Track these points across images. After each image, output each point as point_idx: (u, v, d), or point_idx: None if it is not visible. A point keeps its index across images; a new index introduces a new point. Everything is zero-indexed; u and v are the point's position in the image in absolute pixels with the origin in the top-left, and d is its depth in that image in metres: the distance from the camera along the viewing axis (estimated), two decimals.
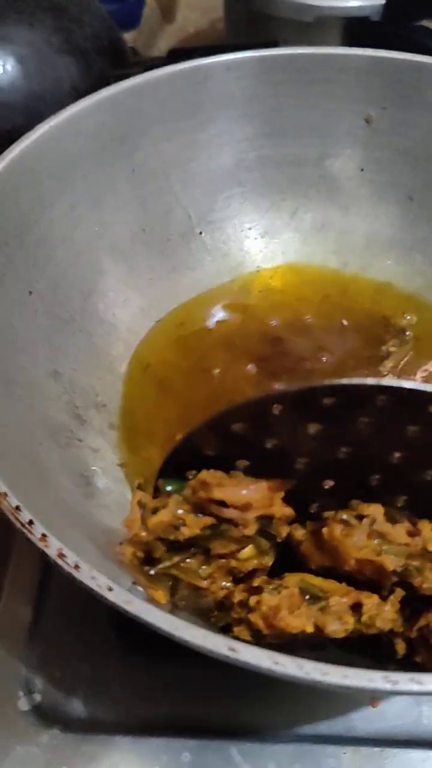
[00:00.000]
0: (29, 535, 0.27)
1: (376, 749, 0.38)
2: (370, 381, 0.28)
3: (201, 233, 0.53)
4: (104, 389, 0.44)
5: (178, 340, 0.48)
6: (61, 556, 0.26)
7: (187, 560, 0.30)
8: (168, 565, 0.30)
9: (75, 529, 0.32)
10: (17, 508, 0.27)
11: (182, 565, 0.30)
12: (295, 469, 0.31)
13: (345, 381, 0.28)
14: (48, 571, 0.43)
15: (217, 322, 0.50)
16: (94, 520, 0.36)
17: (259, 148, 0.53)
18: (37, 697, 0.39)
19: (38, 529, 0.27)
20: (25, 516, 0.27)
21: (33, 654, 0.40)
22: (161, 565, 0.30)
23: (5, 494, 0.27)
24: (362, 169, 0.53)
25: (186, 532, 0.29)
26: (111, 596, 0.25)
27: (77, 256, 0.46)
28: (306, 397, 0.28)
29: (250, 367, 0.48)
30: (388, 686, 0.24)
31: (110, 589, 0.25)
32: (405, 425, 0.29)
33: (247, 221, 0.54)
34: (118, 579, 0.29)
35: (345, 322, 0.52)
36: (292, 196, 0.54)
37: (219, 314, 0.51)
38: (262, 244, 0.54)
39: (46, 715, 0.38)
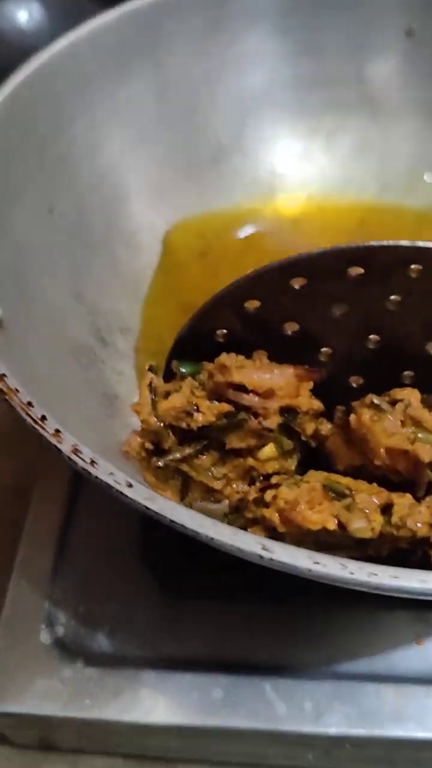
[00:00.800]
0: (42, 431, 0.24)
1: (420, 688, 0.36)
2: (405, 243, 0.24)
3: (231, 157, 0.50)
4: (128, 312, 0.42)
5: (206, 265, 0.45)
6: (76, 451, 0.24)
7: (200, 456, 0.27)
8: (178, 457, 0.27)
9: (95, 442, 0.30)
10: (29, 403, 0.25)
11: (194, 461, 0.27)
12: (319, 363, 0.27)
13: (374, 243, 0.24)
14: (72, 504, 0.41)
15: (246, 248, 0.48)
16: (117, 439, 0.34)
17: (294, 66, 0.50)
18: (60, 630, 0.37)
19: (51, 425, 0.25)
20: (38, 412, 0.25)
21: (56, 588, 0.39)
22: (171, 456, 0.27)
23: (17, 390, 0.25)
24: (404, 87, 0.50)
25: (200, 420, 0.26)
26: (130, 493, 0.23)
27: (101, 178, 0.44)
28: (330, 263, 0.25)
29: None
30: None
31: (130, 486, 0.23)
32: None
33: (280, 145, 0.51)
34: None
35: None
36: (328, 117, 0.51)
37: (250, 240, 0.48)
38: (296, 169, 0.51)
39: (69, 649, 0.37)
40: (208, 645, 0.37)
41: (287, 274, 0.26)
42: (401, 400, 0.26)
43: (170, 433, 0.27)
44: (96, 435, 0.32)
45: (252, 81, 0.49)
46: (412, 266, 0.24)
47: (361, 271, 0.25)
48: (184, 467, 0.27)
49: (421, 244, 0.24)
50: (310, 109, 0.51)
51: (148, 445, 0.27)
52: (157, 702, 0.35)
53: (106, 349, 0.39)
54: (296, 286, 0.26)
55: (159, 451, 0.27)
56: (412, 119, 0.50)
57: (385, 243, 0.24)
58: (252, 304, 0.26)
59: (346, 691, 0.35)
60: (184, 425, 0.26)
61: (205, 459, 0.27)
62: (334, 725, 0.35)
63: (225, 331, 0.27)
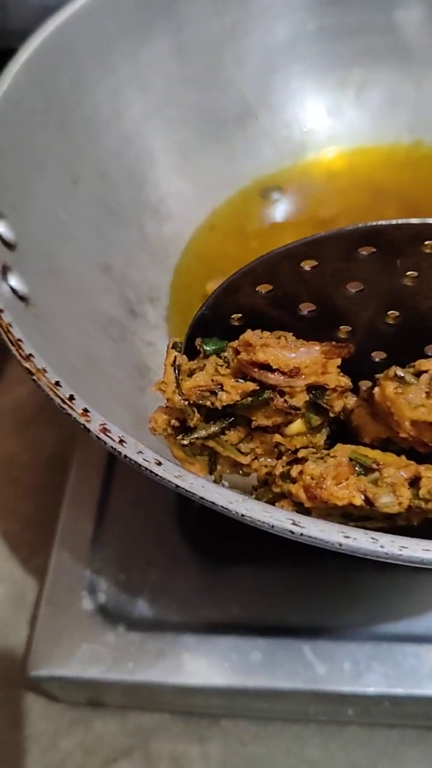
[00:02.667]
0: (69, 411, 0.25)
1: None
2: (414, 221, 0.23)
3: (258, 116, 0.48)
4: (158, 282, 0.42)
5: (236, 229, 0.45)
6: (105, 430, 0.24)
7: (227, 432, 0.27)
8: (204, 435, 0.27)
9: (127, 417, 0.30)
10: (57, 383, 0.25)
11: (220, 438, 0.27)
12: (339, 340, 0.27)
13: (383, 222, 0.23)
14: (110, 474, 0.42)
15: (279, 209, 0.47)
16: (149, 412, 0.34)
17: (320, 16, 0.48)
18: (102, 597, 0.38)
19: (79, 404, 0.25)
20: (65, 392, 0.25)
21: (97, 557, 0.39)
22: (196, 434, 0.27)
23: (44, 370, 0.26)
24: None
25: (224, 399, 0.25)
26: (160, 471, 0.23)
27: (125, 143, 0.43)
28: (339, 245, 0.24)
29: None
30: None
31: (159, 464, 0.23)
32: None
33: (309, 101, 0.50)
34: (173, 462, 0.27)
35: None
36: (358, 69, 0.49)
37: (280, 201, 0.47)
38: (326, 125, 0.50)
39: (112, 615, 0.38)
40: (246, 608, 0.37)
41: (297, 258, 0.25)
42: (426, 371, 0.25)
43: (195, 411, 0.26)
44: (127, 409, 0.32)
45: (276, 35, 0.48)
46: (426, 242, 0.23)
47: (373, 250, 0.24)
48: (211, 443, 0.27)
49: (431, 221, 0.23)
50: (338, 62, 0.49)
51: (174, 422, 0.27)
52: (198, 665, 0.36)
53: (136, 320, 0.39)
54: (307, 268, 0.25)
55: (185, 428, 0.27)
56: None
57: (393, 222, 0.23)
58: (264, 288, 0.26)
59: (385, 651, 0.36)
60: (208, 404, 0.26)
61: (231, 435, 0.27)
62: (372, 685, 0.35)
63: (240, 315, 0.27)
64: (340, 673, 0.35)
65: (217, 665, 0.36)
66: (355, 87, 0.50)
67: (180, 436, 0.27)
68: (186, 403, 0.26)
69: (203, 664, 0.36)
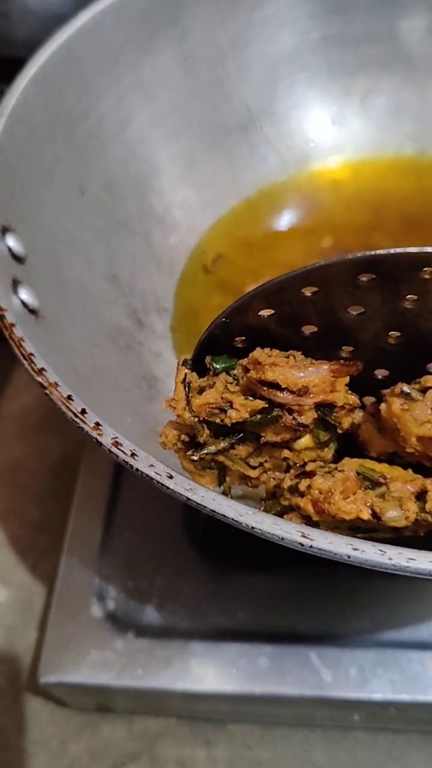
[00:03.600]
0: (82, 425, 0.25)
1: None
2: (412, 250, 0.24)
3: (262, 125, 0.49)
4: (165, 292, 0.42)
5: (242, 238, 0.45)
6: (117, 444, 0.24)
7: (236, 447, 0.28)
8: (213, 450, 0.27)
9: (136, 427, 0.31)
10: (69, 397, 0.26)
11: (230, 452, 0.27)
12: (342, 359, 0.27)
13: (381, 252, 0.24)
14: (118, 482, 0.42)
15: (284, 219, 0.47)
16: (158, 422, 0.34)
17: (323, 26, 0.48)
18: (111, 604, 0.39)
19: (91, 418, 0.25)
20: (78, 405, 0.25)
21: (105, 564, 0.40)
22: (206, 450, 0.27)
23: (56, 384, 0.26)
24: None
25: (233, 416, 0.26)
26: (171, 484, 0.23)
27: (130, 154, 0.43)
28: (338, 273, 0.24)
29: None
30: None
31: (170, 477, 0.24)
32: None
33: (313, 110, 0.50)
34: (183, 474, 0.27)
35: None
36: (362, 78, 0.50)
37: (285, 211, 0.47)
38: (330, 134, 0.50)
39: (120, 621, 0.38)
40: (254, 615, 0.38)
41: (299, 284, 0.25)
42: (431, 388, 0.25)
43: (205, 427, 0.27)
44: (136, 420, 0.32)
45: (280, 44, 0.48)
46: (425, 269, 0.24)
47: (373, 276, 0.24)
48: (220, 457, 0.27)
49: (429, 249, 0.23)
50: (342, 70, 0.49)
51: (184, 437, 0.27)
52: (206, 671, 0.37)
53: (143, 330, 0.40)
54: (308, 294, 0.25)
55: (195, 443, 0.27)
56: None
57: (392, 251, 0.24)
58: (267, 312, 0.26)
59: (390, 657, 0.36)
60: (218, 421, 0.26)
61: (240, 449, 0.27)
62: (378, 691, 0.36)
63: (244, 338, 0.27)
64: (345, 679, 0.36)
65: (225, 671, 0.36)
66: (359, 96, 0.50)
67: (190, 452, 0.27)
68: (196, 419, 0.26)
69: (211, 671, 0.37)
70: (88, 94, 0.41)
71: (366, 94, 0.50)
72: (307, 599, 0.38)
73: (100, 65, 0.41)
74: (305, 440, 0.27)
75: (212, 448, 0.27)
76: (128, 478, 0.43)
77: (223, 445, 0.27)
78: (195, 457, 0.27)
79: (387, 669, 0.36)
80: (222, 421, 0.26)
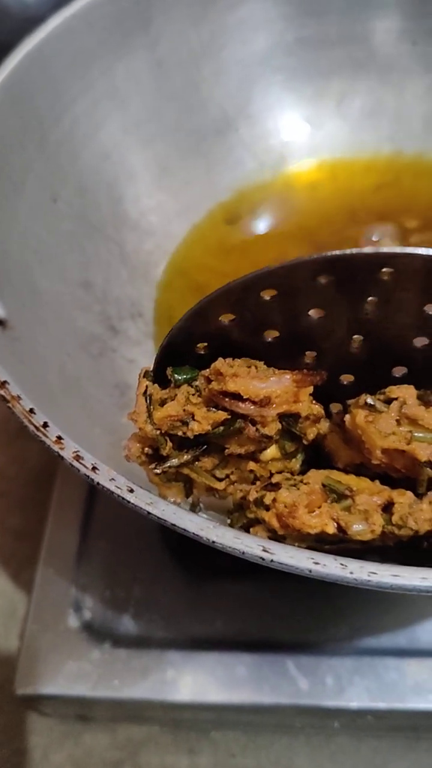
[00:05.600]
0: (43, 438, 0.25)
1: None
2: (368, 250, 0.23)
3: (238, 129, 0.48)
4: (140, 298, 0.42)
5: (218, 242, 0.45)
6: (78, 458, 0.24)
7: (201, 459, 0.27)
8: (176, 464, 0.27)
9: (105, 437, 0.30)
10: (31, 411, 0.25)
11: (195, 464, 0.27)
12: (306, 366, 0.27)
13: (337, 252, 0.23)
14: (94, 491, 0.42)
15: (261, 222, 0.47)
16: (128, 431, 0.34)
17: (298, 28, 0.48)
18: (87, 615, 0.38)
19: (53, 431, 0.25)
20: (39, 419, 0.25)
21: (81, 574, 0.40)
22: (169, 463, 0.27)
23: (18, 397, 0.26)
24: (415, 42, 0.48)
25: (195, 428, 0.25)
26: (132, 498, 0.23)
27: (104, 159, 0.43)
28: (296, 275, 0.24)
29: None
30: None
31: (131, 491, 0.23)
32: (423, 303, 0.24)
33: (289, 112, 0.50)
34: (148, 486, 0.27)
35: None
36: (338, 80, 0.49)
37: (262, 214, 0.47)
38: (306, 136, 0.50)
39: (97, 632, 0.38)
40: (231, 624, 0.38)
41: (255, 288, 0.25)
42: (396, 399, 0.25)
43: (167, 440, 0.26)
44: (105, 430, 0.32)
45: (255, 46, 0.48)
46: (383, 269, 0.24)
47: (332, 277, 0.24)
48: (185, 470, 0.27)
49: (384, 250, 0.23)
50: (318, 72, 0.49)
51: (148, 450, 0.27)
52: (184, 681, 0.36)
53: (117, 337, 0.39)
54: (267, 297, 0.25)
55: (158, 456, 0.27)
56: (426, 76, 0.48)
57: (348, 252, 0.23)
58: (227, 317, 0.26)
59: (367, 665, 0.36)
60: (180, 433, 0.26)
61: (206, 461, 0.27)
62: (355, 699, 0.35)
63: (206, 344, 0.27)
64: (322, 687, 0.36)
65: (203, 681, 0.36)
66: (334, 97, 0.50)
67: (153, 465, 0.27)
68: (158, 432, 0.26)
69: (189, 681, 0.36)
70: (60, 100, 0.41)
71: (342, 95, 0.50)
72: (284, 607, 0.38)
73: (71, 70, 0.41)
74: (271, 451, 0.27)
75: (175, 461, 0.27)
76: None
77: (186, 457, 0.27)
78: (158, 471, 0.27)
79: (364, 677, 0.36)
80: (184, 433, 0.26)
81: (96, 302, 0.39)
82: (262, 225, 0.47)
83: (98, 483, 0.24)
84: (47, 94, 0.40)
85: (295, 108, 0.50)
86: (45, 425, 0.25)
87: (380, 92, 0.49)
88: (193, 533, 0.23)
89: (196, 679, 0.36)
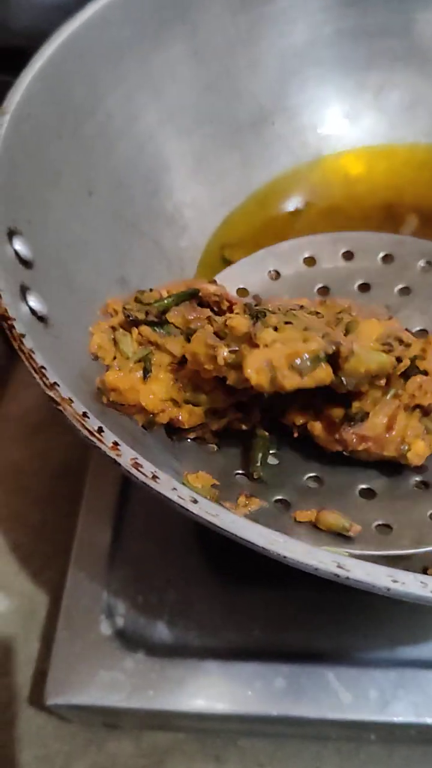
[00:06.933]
0: (99, 444, 0.24)
1: None
2: None
3: (274, 121, 0.47)
4: None
5: (254, 237, 0.43)
6: (137, 466, 0.23)
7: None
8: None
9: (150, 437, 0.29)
10: (84, 414, 0.24)
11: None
12: None
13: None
14: (125, 494, 0.41)
15: (297, 217, 0.45)
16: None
17: (337, 19, 0.47)
18: (120, 621, 0.37)
19: (109, 437, 0.24)
20: (94, 423, 0.24)
21: (114, 578, 0.39)
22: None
23: (70, 400, 0.24)
24: None
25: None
26: (195, 509, 0.22)
27: (139, 151, 0.41)
28: None
29: None
30: None
31: (195, 501, 0.22)
32: None
33: (326, 105, 0.48)
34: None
35: None
36: (376, 72, 0.48)
37: (298, 208, 0.46)
38: (344, 129, 0.48)
39: (130, 640, 0.37)
40: (269, 633, 0.36)
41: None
42: None
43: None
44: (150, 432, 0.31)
45: (293, 38, 0.46)
46: None
47: None
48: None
49: None
50: (356, 65, 0.48)
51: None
52: (220, 692, 0.35)
53: None
54: None
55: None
56: None
57: None
58: None
59: (411, 678, 0.35)
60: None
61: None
62: (400, 714, 0.34)
63: None
64: (366, 701, 0.35)
65: (240, 692, 0.35)
66: (372, 90, 0.48)
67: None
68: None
69: (225, 692, 0.35)
70: (95, 90, 0.39)
71: (380, 88, 0.48)
72: (323, 615, 0.37)
73: (107, 60, 0.39)
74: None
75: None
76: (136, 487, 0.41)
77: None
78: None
79: (408, 691, 0.34)
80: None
81: None
82: (299, 221, 0.46)
83: (159, 492, 0.22)
84: (82, 85, 0.39)
85: (333, 101, 0.48)
86: (100, 430, 0.24)
87: (418, 85, 0.48)
88: (262, 547, 0.21)
89: (233, 691, 0.35)
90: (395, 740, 0.38)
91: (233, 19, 0.44)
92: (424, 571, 0.29)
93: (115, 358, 0.32)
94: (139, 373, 0.31)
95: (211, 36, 0.44)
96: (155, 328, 0.33)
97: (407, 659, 0.36)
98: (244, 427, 0.32)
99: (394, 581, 0.20)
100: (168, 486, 0.22)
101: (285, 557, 0.21)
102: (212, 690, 0.35)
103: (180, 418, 0.31)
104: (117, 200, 0.40)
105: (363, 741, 0.39)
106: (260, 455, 0.31)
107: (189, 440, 0.32)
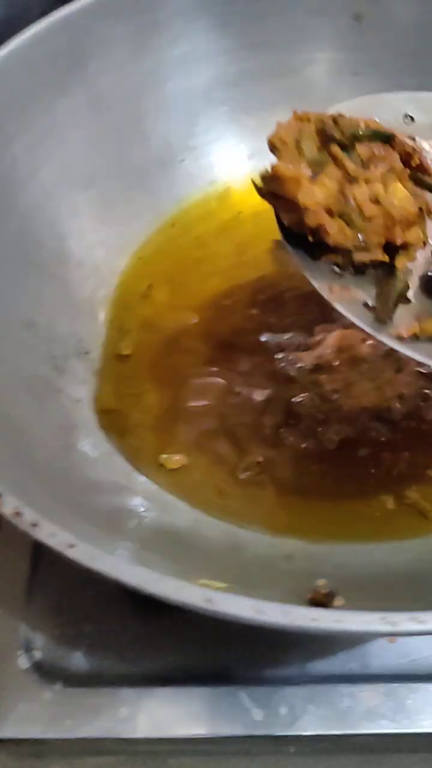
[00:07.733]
0: None
1: (397, 685, 0.37)
2: None
3: (183, 160, 0.49)
4: (86, 335, 0.42)
5: (165, 275, 0.45)
6: (18, 514, 0.24)
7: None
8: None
9: (48, 485, 0.30)
10: None
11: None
12: None
13: None
14: None
15: (207, 254, 0.47)
16: (75, 473, 0.34)
17: (240, 60, 0.49)
18: (38, 654, 0.38)
19: None
20: None
21: (31, 611, 0.39)
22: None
23: None
24: (356, 74, 0.49)
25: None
26: (72, 554, 0.23)
27: (46, 197, 0.43)
28: None
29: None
30: (386, 628, 0.22)
31: (71, 546, 0.23)
32: None
33: (234, 143, 0.50)
34: (100, 536, 0.27)
35: None
36: (281, 110, 0.49)
37: (209, 245, 0.48)
38: (253, 166, 0.50)
39: (48, 672, 0.37)
40: (184, 658, 0.38)
41: None
42: None
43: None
44: (49, 476, 0.32)
45: (198, 79, 0.48)
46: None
47: None
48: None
49: None
50: (261, 103, 0.50)
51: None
52: (138, 718, 0.36)
53: (63, 377, 0.39)
54: None
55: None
56: None
57: None
58: None
59: (320, 693, 0.36)
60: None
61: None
62: (309, 728, 0.36)
63: None
64: (276, 717, 0.36)
65: (157, 717, 0.36)
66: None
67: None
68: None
69: (143, 718, 0.36)
70: (1, 137, 0.40)
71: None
72: (237, 637, 0.38)
73: (9, 109, 0.40)
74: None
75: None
76: None
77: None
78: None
79: (318, 706, 0.36)
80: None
81: (41, 342, 0.39)
82: (209, 258, 0.48)
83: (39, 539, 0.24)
84: None
85: (240, 139, 0.50)
86: None
87: None
88: (136, 586, 0.23)
89: (151, 716, 0.36)
90: (316, 753, 0.40)
91: (134, 64, 0.46)
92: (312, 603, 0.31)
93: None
94: (309, 171, 0.32)
95: (113, 81, 0.45)
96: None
97: (318, 675, 0.37)
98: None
99: (258, 611, 0.22)
100: (47, 532, 0.24)
101: (160, 595, 0.23)
102: (129, 716, 0.36)
103: (328, 228, 0.31)
104: (23, 246, 0.41)
105: (283, 754, 0.40)
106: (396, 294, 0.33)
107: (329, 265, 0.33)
